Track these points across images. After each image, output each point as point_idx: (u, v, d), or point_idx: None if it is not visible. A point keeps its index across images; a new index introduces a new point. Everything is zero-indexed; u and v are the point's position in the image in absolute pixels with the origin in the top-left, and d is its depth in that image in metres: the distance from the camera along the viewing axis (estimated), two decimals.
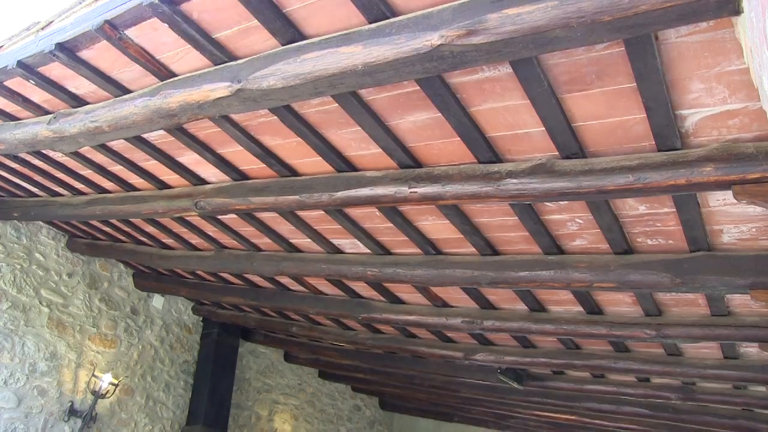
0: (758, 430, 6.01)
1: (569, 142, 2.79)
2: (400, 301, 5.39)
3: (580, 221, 3.44)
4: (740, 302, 3.81)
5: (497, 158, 3.08)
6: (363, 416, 10.71)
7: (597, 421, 7.76)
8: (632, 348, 5.11)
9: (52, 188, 5.16)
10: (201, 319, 7.78)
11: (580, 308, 4.52)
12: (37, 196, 5.41)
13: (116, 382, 6.34)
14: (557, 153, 2.91)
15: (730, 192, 2.59)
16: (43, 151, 4.38)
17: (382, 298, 5.39)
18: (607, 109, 2.60)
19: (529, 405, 7.88)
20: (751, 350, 4.48)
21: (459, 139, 2.99)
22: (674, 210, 3.08)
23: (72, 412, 6.04)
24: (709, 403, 5.77)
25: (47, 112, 3.79)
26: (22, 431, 5.67)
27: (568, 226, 3.54)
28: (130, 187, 4.71)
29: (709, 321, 4.09)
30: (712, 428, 6.47)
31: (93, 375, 6.24)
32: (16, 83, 3.55)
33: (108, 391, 6.23)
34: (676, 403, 5.85)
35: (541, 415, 8.41)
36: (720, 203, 2.96)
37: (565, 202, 3.24)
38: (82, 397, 6.19)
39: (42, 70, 3.35)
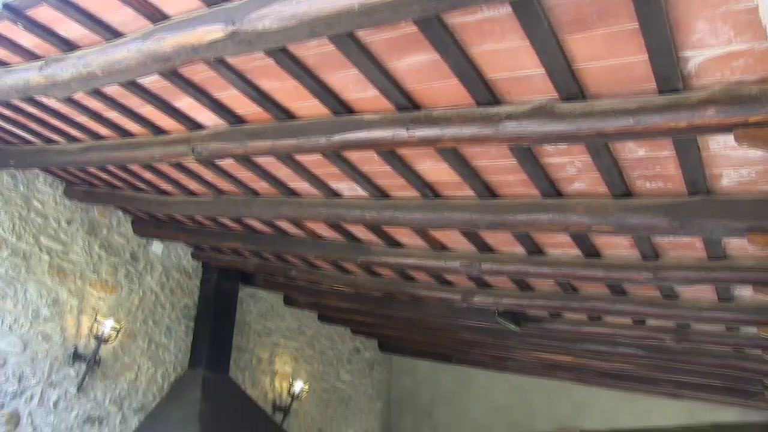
0: (748, 369, 6.14)
1: (569, 84, 2.75)
2: (399, 245, 5.41)
3: (579, 165, 3.42)
4: (737, 246, 3.82)
5: (496, 100, 3.04)
6: (362, 358, 10.91)
7: (593, 362, 7.91)
8: (629, 291, 5.15)
9: (47, 135, 5.11)
10: (200, 264, 7.83)
11: (577, 251, 4.54)
12: (32, 143, 5.36)
13: (118, 327, 6.42)
14: (557, 95, 2.87)
15: (732, 135, 2.56)
16: (36, 98, 4.32)
17: (380, 242, 5.41)
18: (609, 51, 2.55)
19: (527, 346, 8.01)
20: (745, 293, 4.53)
21: (457, 81, 2.94)
22: (674, 154, 3.06)
23: (76, 356, 6.14)
24: (702, 344, 5.87)
25: (38, 58, 3.72)
26: (30, 375, 5.78)
27: (567, 170, 3.52)
28: (126, 134, 4.67)
29: (706, 264, 4.12)
30: (704, 367, 6.61)
31: (95, 320, 6.32)
32: (4, 27, 3.46)
33: (110, 336, 6.31)
34: (671, 344, 5.94)
35: (538, 357, 8.57)
36: (721, 147, 2.93)
37: (565, 145, 3.21)
38: (85, 341, 6.28)
39: (30, 12, 3.26)
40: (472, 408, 10.55)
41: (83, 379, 6.15)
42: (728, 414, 8.41)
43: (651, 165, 3.26)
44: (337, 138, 3.54)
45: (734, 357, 6.01)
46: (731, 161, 3.04)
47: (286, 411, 8.76)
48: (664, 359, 6.71)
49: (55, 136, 5.09)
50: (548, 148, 3.31)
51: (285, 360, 9.10)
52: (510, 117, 2.98)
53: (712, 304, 4.81)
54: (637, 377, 8.25)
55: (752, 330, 5.09)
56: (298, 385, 8.91)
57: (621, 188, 3.49)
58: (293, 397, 8.87)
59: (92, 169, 5.69)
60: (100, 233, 6.70)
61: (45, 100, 4.37)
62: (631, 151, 3.17)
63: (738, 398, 7.60)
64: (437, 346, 10.00)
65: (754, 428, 8.17)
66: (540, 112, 2.90)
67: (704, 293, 4.74)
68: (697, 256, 4.14)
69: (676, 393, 8.40)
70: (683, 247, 4.08)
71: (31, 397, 5.76)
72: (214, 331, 7.45)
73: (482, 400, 10.50)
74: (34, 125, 4.94)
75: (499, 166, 3.65)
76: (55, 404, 5.95)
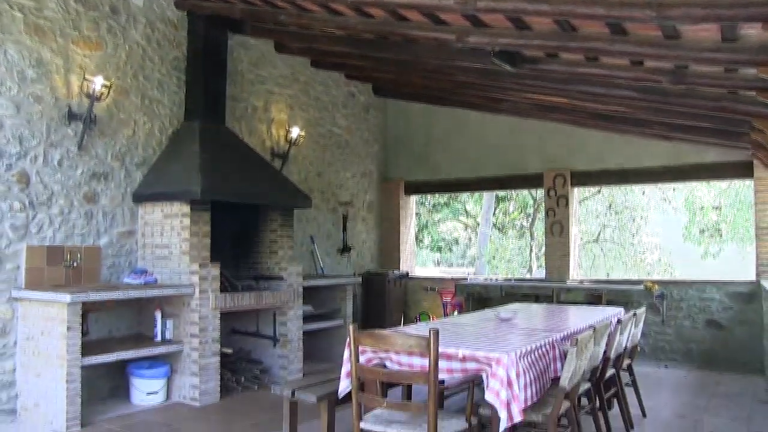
0: (739, 111, 6.19)
1: None
2: None
3: None
4: None
5: None
6: (357, 102, 10.95)
7: (587, 104, 7.94)
8: (629, 30, 4.98)
9: None
10: (185, 13, 7.48)
11: None
12: None
13: (109, 84, 6.34)
14: None
15: None
16: None
17: None
18: None
19: (521, 88, 7.98)
20: (752, 32, 4.37)
21: None
22: None
23: (71, 116, 6.16)
24: (698, 86, 5.82)
25: None
26: (29, 136, 5.85)
27: None
28: None
29: (713, 1, 3.92)
30: (696, 109, 6.65)
31: (84, 79, 6.21)
32: None
33: (102, 93, 6.26)
34: (666, 86, 5.90)
35: (532, 98, 8.58)
36: None
37: None
38: (78, 101, 6.25)
39: None
40: (466, 149, 10.84)
41: (82, 137, 6.23)
42: (711, 155, 8.76)
43: None
44: None
45: (728, 99, 5.99)
46: None
47: (284, 157, 9.02)
48: (657, 101, 6.71)
49: None
50: None
51: (280, 107, 9.14)
52: None
53: (715, 44, 4.67)
54: (630, 119, 8.34)
55: (751, 71, 5.01)
56: (295, 132, 9.06)
57: None
58: (291, 143, 9.07)
59: None
60: None
61: None
62: None
63: (724, 139, 7.78)
64: (431, 89, 9.97)
65: (735, 166, 8.71)
66: None
67: (708, 33, 4.59)
68: None
69: (666, 135, 8.57)
70: None
71: (36, 158, 5.89)
72: (206, 82, 7.36)
73: (476, 142, 10.75)
74: None
75: None
76: (60, 163, 6.10)
